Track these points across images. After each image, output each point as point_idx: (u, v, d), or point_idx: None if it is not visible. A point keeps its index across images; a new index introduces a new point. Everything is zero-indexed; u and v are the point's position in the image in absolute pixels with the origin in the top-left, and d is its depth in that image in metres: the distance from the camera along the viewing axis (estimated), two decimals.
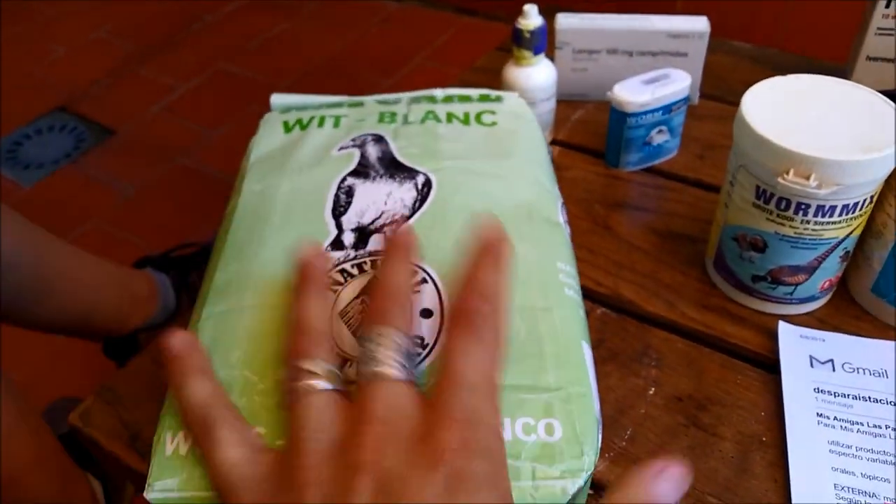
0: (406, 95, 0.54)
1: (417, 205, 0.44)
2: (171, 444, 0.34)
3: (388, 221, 0.43)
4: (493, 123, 0.50)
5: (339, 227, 0.44)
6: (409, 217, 0.43)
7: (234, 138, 1.52)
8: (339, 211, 0.45)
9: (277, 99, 0.56)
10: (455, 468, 0.27)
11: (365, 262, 0.41)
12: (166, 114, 1.63)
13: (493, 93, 0.53)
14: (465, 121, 0.51)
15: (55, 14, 2.02)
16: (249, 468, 0.29)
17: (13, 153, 1.57)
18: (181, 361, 0.33)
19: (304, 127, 0.52)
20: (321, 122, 0.52)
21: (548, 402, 0.34)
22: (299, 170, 0.48)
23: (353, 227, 0.43)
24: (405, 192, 0.45)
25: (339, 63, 1.72)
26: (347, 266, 0.41)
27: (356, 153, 0.48)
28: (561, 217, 0.45)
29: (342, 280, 0.40)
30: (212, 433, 0.30)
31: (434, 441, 0.27)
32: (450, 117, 0.51)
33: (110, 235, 1.34)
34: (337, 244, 0.43)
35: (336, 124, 0.52)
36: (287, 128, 0.53)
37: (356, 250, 0.42)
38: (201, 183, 1.42)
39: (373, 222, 0.44)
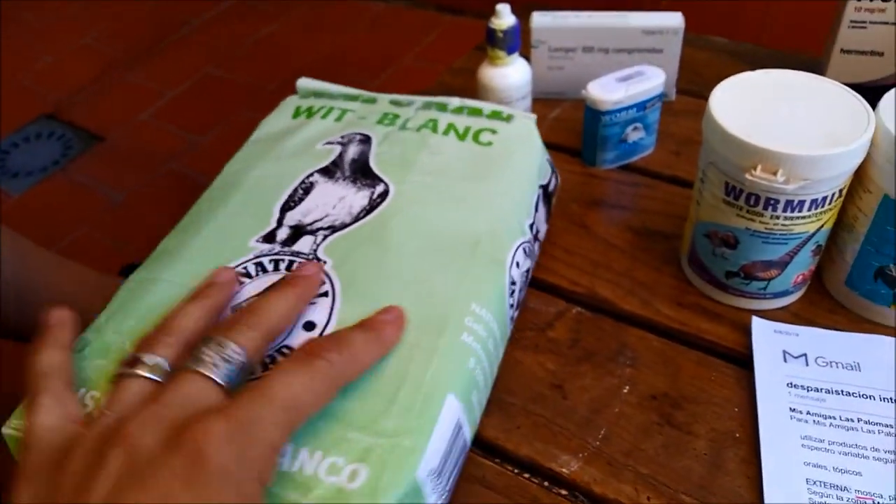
0: (421, 99, 0.54)
1: (363, 214, 0.44)
2: None
3: (325, 226, 0.44)
4: (489, 143, 0.49)
5: (280, 221, 0.44)
6: (349, 224, 0.44)
7: (222, 143, 1.52)
8: (289, 205, 0.45)
9: (304, 83, 0.57)
10: (202, 456, 0.27)
11: (282, 260, 0.42)
12: (154, 120, 1.63)
13: (506, 111, 0.52)
14: (462, 136, 0.50)
15: (42, 21, 2.01)
16: (53, 435, 0.31)
17: (1, 161, 1.57)
18: (46, 332, 0.36)
19: (310, 115, 0.53)
20: (326, 114, 0.53)
21: (369, 447, 0.33)
22: (279, 157, 0.49)
23: (293, 223, 0.44)
24: (357, 200, 0.45)
25: (327, 65, 1.71)
26: (265, 260, 0.42)
27: (336, 150, 0.49)
28: (511, 256, 0.44)
29: (253, 273, 0.41)
30: (36, 398, 0.32)
31: (199, 428, 0.28)
32: (448, 129, 0.50)
33: (99, 242, 1.34)
34: (269, 237, 0.44)
35: (339, 118, 0.52)
36: (296, 113, 0.54)
37: (282, 246, 0.43)
38: (190, 189, 1.42)
39: (312, 223, 0.44)
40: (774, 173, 0.41)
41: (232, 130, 1.53)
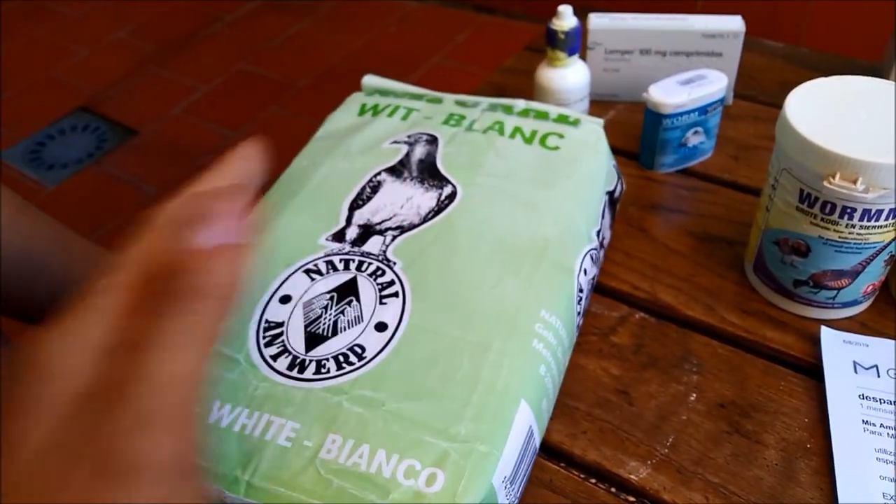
0: (486, 100, 0.53)
1: (431, 215, 0.44)
2: None
3: (394, 226, 0.43)
4: (556, 148, 0.49)
5: (349, 219, 0.44)
6: (417, 225, 0.43)
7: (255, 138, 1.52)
8: (357, 203, 0.45)
9: (369, 80, 0.57)
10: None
11: (352, 261, 0.42)
12: (187, 114, 1.64)
13: (573, 115, 0.51)
14: (529, 139, 0.49)
15: (77, 15, 2.03)
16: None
17: (37, 153, 1.58)
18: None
19: (376, 113, 0.53)
20: (392, 112, 0.53)
21: (445, 451, 0.33)
22: (346, 154, 0.49)
23: (362, 222, 0.44)
24: (425, 200, 0.45)
25: (358, 62, 1.72)
26: (335, 259, 0.42)
27: (403, 150, 0.49)
28: (579, 264, 0.44)
29: (324, 271, 0.41)
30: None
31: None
32: (514, 132, 0.50)
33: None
34: (339, 235, 0.44)
35: (405, 117, 0.52)
36: (362, 110, 0.54)
37: (352, 246, 0.43)
38: None
39: (381, 222, 0.44)
40: (854, 181, 0.40)
41: (264, 126, 1.54)
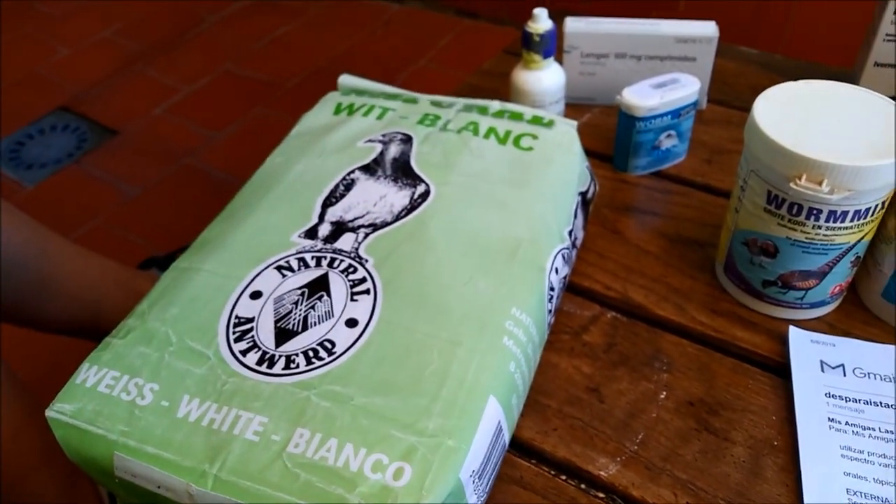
0: (461, 101, 0.54)
1: (404, 213, 0.45)
2: (84, 373, 0.37)
3: (367, 223, 0.44)
4: (529, 149, 0.49)
5: (322, 216, 0.45)
6: (390, 223, 0.44)
7: (238, 140, 1.52)
8: (330, 201, 0.46)
9: (345, 80, 0.57)
10: None
11: (324, 257, 0.42)
12: (170, 115, 1.63)
13: (547, 117, 0.52)
14: (503, 140, 0.50)
15: (59, 14, 2.02)
16: None
17: (16, 153, 1.57)
18: None
19: (351, 112, 0.53)
20: (367, 112, 0.53)
21: (413, 446, 0.33)
22: (321, 153, 0.50)
23: (334, 219, 0.44)
24: (398, 199, 0.45)
25: (343, 65, 1.71)
26: (307, 256, 0.42)
27: (378, 148, 0.49)
28: (550, 262, 0.44)
29: (296, 268, 0.41)
30: None
31: None
32: (489, 132, 0.50)
33: (114, 236, 1.34)
34: (311, 232, 0.44)
35: (380, 116, 0.52)
36: (338, 109, 0.54)
37: (324, 243, 0.43)
38: (206, 184, 1.42)
39: (354, 220, 0.44)
40: (820, 183, 0.41)
41: (248, 127, 1.53)
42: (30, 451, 0.63)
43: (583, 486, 0.41)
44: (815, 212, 0.43)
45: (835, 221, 0.43)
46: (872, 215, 0.43)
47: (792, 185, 0.42)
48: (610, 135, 0.63)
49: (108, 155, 1.53)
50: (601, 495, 0.41)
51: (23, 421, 0.62)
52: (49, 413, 0.36)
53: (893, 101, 0.44)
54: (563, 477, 0.42)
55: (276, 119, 1.57)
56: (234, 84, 1.70)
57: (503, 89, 0.64)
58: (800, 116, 0.44)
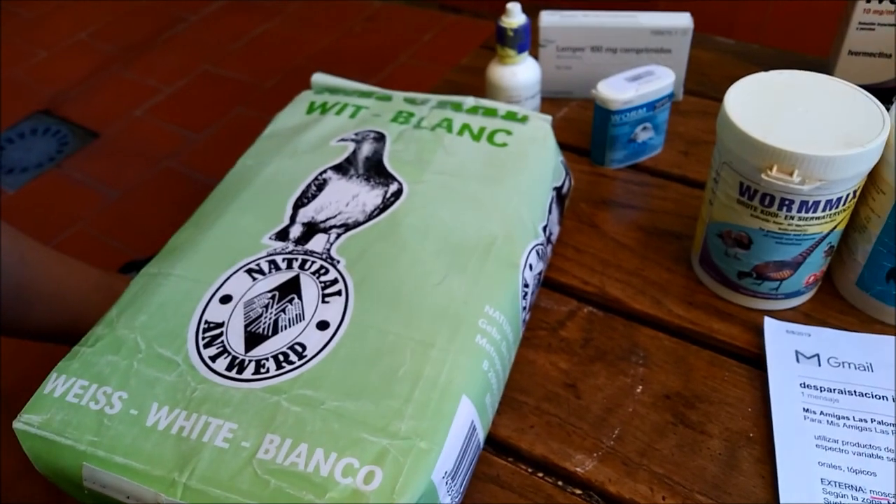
0: (436, 98, 0.53)
1: (376, 213, 0.44)
2: (52, 383, 0.37)
3: (339, 224, 0.43)
4: (504, 145, 0.49)
5: (293, 218, 0.44)
6: (362, 223, 0.43)
7: (218, 141, 1.51)
8: (302, 202, 0.45)
9: (318, 78, 0.57)
10: None
11: (295, 259, 0.42)
12: (150, 116, 1.62)
13: (521, 112, 0.51)
14: (477, 136, 0.50)
15: (36, 17, 2.00)
16: None
17: None
18: None
19: (324, 111, 0.53)
20: (340, 110, 0.53)
21: (384, 449, 0.33)
22: (293, 153, 0.49)
23: (306, 220, 0.44)
24: (370, 198, 0.45)
25: (324, 62, 1.71)
26: (278, 259, 0.42)
27: (350, 147, 0.49)
28: (524, 259, 0.44)
29: (266, 271, 0.41)
30: None
31: None
32: (463, 129, 0.50)
33: (95, 240, 1.33)
34: (282, 234, 0.44)
35: (353, 115, 0.52)
36: (311, 108, 0.54)
37: (296, 245, 0.42)
38: (187, 186, 1.41)
39: (325, 220, 0.44)
40: (790, 174, 0.41)
41: (228, 128, 1.52)
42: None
43: (560, 483, 0.41)
44: (787, 202, 0.43)
45: (807, 212, 0.43)
46: (844, 205, 0.43)
47: (763, 176, 0.42)
48: (587, 129, 0.63)
49: (89, 158, 1.51)
50: (578, 492, 0.41)
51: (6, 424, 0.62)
52: (16, 425, 0.36)
53: (865, 90, 0.44)
54: (541, 474, 0.42)
55: (256, 119, 1.56)
56: (214, 84, 1.69)
57: (481, 85, 0.64)
58: (771, 107, 0.43)
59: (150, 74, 1.73)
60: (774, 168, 0.41)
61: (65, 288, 0.81)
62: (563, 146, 0.64)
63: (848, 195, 0.43)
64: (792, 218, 0.43)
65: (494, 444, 0.43)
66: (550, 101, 0.69)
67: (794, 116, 0.43)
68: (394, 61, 1.70)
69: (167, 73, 1.72)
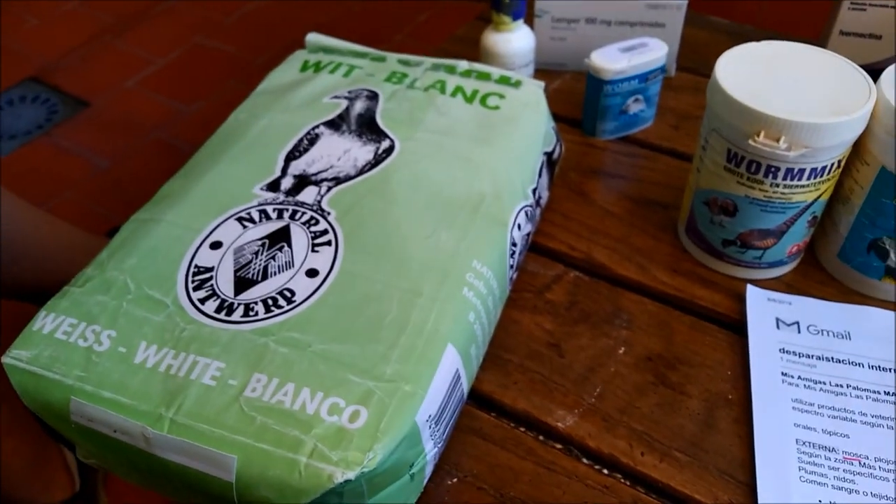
0: (430, 60, 0.53)
1: (367, 168, 0.45)
2: (41, 320, 0.37)
3: (330, 177, 0.44)
4: (496, 108, 0.49)
5: (285, 170, 0.45)
6: (353, 177, 0.44)
7: (209, 114, 1.50)
8: (293, 154, 0.46)
9: (313, 38, 0.57)
10: None
11: (286, 210, 0.42)
12: (141, 87, 1.61)
13: (514, 77, 0.52)
14: (469, 98, 0.50)
15: None
16: None
17: None
18: None
19: (318, 69, 0.53)
20: (335, 69, 0.53)
21: (370, 390, 0.34)
22: (286, 108, 0.49)
23: (297, 173, 0.44)
24: (362, 153, 0.45)
25: None
26: (269, 209, 0.42)
27: (343, 104, 0.49)
28: (513, 219, 0.44)
29: (257, 220, 0.41)
30: None
31: None
32: (455, 91, 0.50)
33: (83, 208, 1.32)
34: (273, 185, 0.44)
35: (347, 74, 0.52)
36: (304, 66, 0.54)
37: (286, 196, 0.43)
38: (176, 157, 1.40)
39: (317, 174, 0.44)
40: (777, 140, 0.42)
41: (219, 101, 1.52)
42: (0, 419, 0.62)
43: (541, 437, 0.42)
44: (773, 169, 0.43)
45: (792, 179, 0.44)
46: (829, 174, 0.44)
47: (750, 141, 0.42)
48: (580, 100, 0.63)
49: (78, 127, 1.50)
50: (558, 446, 0.42)
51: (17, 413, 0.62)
52: (5, 360, 0.36)
53: (851, 62, 0.45)
54: (522, 428, 0.42)
55: (246, 93, 1.56)
56: (206, 57, 1.68)
57: (475, 55, 0.64)
58: (761, 75, 0.44)
59: (141, 46, 1.71)
60: (762, 134, 0.42)
61: (51, 247, 0.81)
62: (556, 117, 0.64)
63: (833, 164, 0.43)
64: (777, 185, 0.44)
65: (478, 398, 0.44)
66: (544, 73, 0.69)
67: (783, 85, 0.43)
68: (389, 41, 1.69)
69: (159, 45, 1.71)
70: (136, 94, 1.58)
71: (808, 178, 0.44)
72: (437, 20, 1.76)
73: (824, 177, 0.44)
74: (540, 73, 0.69)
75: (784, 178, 0.44)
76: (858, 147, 0.44)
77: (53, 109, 1.55)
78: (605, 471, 0.40)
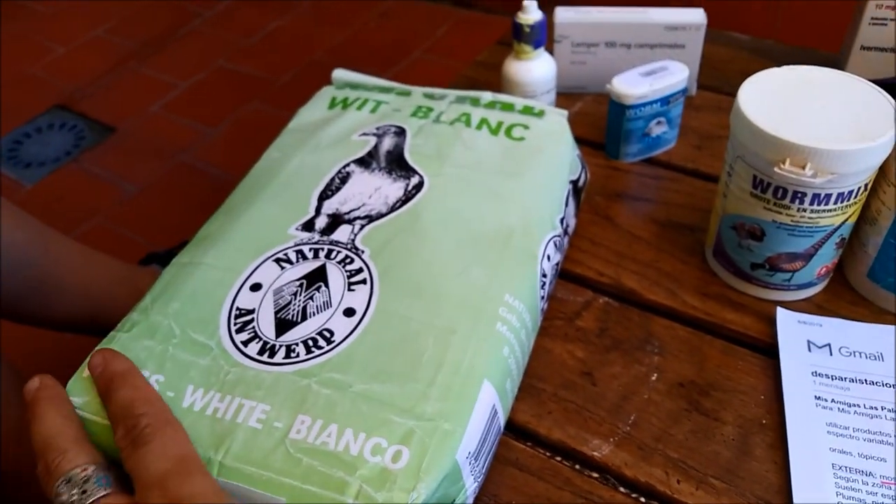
0: (454, 93, 0.55)
1: (398, 205, 0.46)
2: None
3: (362, 215, 0.45)
4: (521, 139, 0.50)
5: (318, 209, 0.46)
6: (385, 214, 0.45)
7: (234, 136, 1.52)
8: (326, 194, 0.47)
9: (339, 74, 0.58)
10: None
11: (321, 249, 0.43)
12: (166, 112, 1.64)
13: (538, 107, 0.53)
14: (494, 131, 0.51)
15: (53, 12, 2.02)
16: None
17: (14, 152, 1.58)
18: (42, 391, 0.37)
19: (346, 106, 0.54)
20: (361, 105, 0.54)
21: (411, 429, 0.34)
22: (317, 147, 0.51)
23: (331, 212, 0.45)
24: (393, 190, 0.47)
25: (339, 58, 1.72)
26: (305, 249, 0.43)
27: (372, 141, 0.50)
28: (542, 250, 0.45)
29: (294, 261, 0.43)
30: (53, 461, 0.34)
31: None
32: (481, 124, 0.51)
33: (113, 233, 1.35)
34: (308, 225, 0.45)
35: (374, 110, 0.53)
36: (332, 103, 0.55)
37: (321, 235, 0.44)
38: (203, 181, 1.43)
39: (350, 212, 0.45)
40: (803, 167, 0.42)
41: (244, 123, 1.54)
42: (9, 422, 0.64)
43: (577, 466, 0.43)
44: (799, 195, 0.44)
45: (819, 204, 0.44)
46: (856, 197, 0.44)
47: (776, 169, 0.43)
48: (602, 123, 0.64)
49: (106, 152, 1.54)
50: (595, 475, 0.42)
51: (25, 420, 0.63)
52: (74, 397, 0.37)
53: (875, 85, 0.45)
54: (558, 458, 0.43)
55: (270, 114, 1.58)
56: (229, 80, 1.70)
57: (498, 81, 0.65)
58: (784, 102, 0.44)
59: (165, 70, 1.75)
60: (787, 161, 0.42)
61: (87, 280, 0.83)
62: (578, 140, 0.65)
63: (859, 188, 0.44)
64: (804, 210, 0.44)
65: (514, 429, 0.44)
66: (565, 96, 0.70)
67: (807, 111, 0.44)
68: (408, 56, 1.71)
69: (182, 69, 1.74)
70: (160, 119, 1.61)
71: (835, 203, 0.44)
72: (456, 33, 1.77)
73: (851, 200, 0.44)
74: (561, 96, 0.70)
75: (811, 203, 0.44)
76: (885, 169, 0.45)
77: (80, 136, 1.59)
78: (643, 499, 0.41)
